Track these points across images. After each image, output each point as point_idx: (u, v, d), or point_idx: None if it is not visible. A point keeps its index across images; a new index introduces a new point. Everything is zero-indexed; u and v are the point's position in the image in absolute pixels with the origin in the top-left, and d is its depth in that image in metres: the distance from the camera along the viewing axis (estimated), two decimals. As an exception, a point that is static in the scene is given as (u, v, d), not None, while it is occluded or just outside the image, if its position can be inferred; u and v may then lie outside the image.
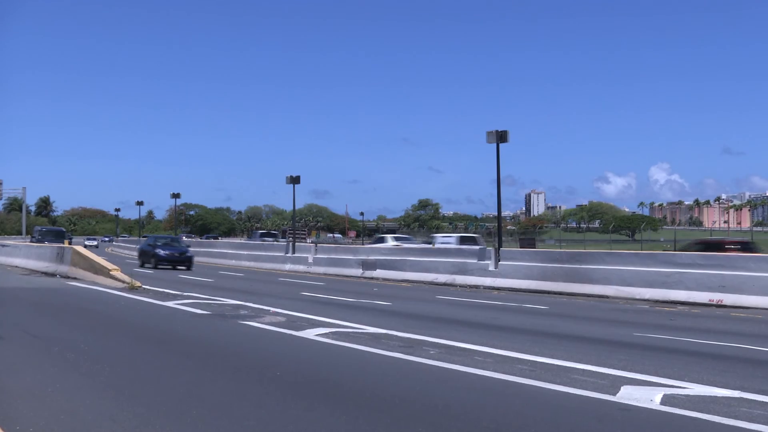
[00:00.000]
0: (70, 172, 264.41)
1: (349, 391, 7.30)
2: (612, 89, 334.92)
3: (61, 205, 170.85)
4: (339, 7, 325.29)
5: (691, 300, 19.29)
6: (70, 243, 42.86)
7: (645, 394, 7.28)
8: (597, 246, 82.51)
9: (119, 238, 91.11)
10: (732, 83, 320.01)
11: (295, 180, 45.00)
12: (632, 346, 11.00)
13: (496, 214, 36.91)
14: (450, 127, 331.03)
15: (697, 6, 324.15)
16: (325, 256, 35.58)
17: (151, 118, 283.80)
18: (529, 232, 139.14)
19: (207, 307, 15.46)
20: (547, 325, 13.93)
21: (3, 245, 37.22)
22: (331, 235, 71.98)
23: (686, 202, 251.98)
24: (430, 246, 34.69)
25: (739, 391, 7.57)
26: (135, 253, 60.93)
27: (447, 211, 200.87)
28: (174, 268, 34.55)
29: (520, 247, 52.02)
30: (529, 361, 9.27)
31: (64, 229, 52.22)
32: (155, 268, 34.30)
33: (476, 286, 25.07)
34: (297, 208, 61.14)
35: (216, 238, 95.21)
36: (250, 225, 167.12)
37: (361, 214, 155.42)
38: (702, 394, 7.44)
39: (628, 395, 7.23)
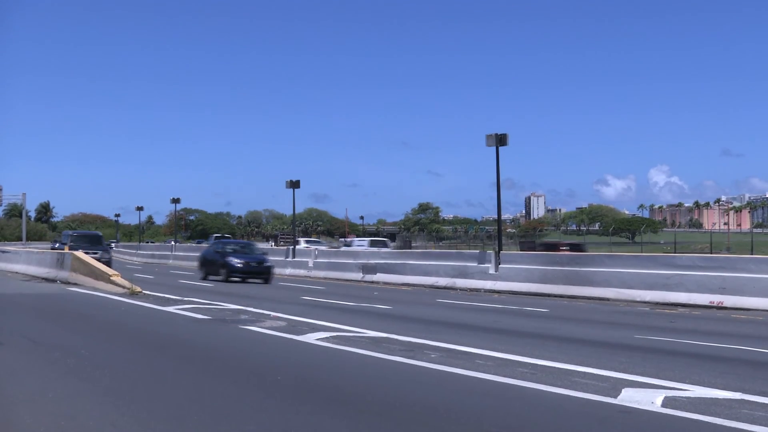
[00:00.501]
0: (70, 177, 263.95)
1: (350, 395, 7.30)
2: (611, 92, 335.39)
3: (61, 211, 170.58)
4: (338, 11, 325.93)
5: (691, 302, 19.29)
6: (110, 250, 40.97)
7: (646, 397, 7.27)
8: (597, 248, 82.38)
9: (119, 244, 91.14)
10: (731, 85, 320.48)
11: (295, 184, 45.07)
12: (633, 349, 11.00)
13: (496, 217, 36.97)
14: (449, 131, 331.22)
15: (697, 7, 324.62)
16: (326, 260, 35.61)
17: (151, 123, 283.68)
18: (529, 234, 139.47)
19: (207, 312, 15.45)
20: (548, 328, 13.94)
21: (3, 251, 37.20)
22: (343, 239, 71.42)
23: (686, 204, 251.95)
24: (347, 248, 45.64)
25: (740, 393, 7.57)
26: (135, 259, 60.70)
27: (447, 214, 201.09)
28: (243, 281, 28.59)
29: (521, 250, 52.03)
30: (530, 364, 9.27)
31: (101, 234, 43.07)
32: (226, 280, 28.46)
33: (477, 290, 25.07)
34: (297, 212, 61.17)
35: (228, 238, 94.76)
36: (250, 229, 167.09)
37: (361, 218, 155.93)
38: (703, 396, 7.43)
39: (629, 398, 7.22)
